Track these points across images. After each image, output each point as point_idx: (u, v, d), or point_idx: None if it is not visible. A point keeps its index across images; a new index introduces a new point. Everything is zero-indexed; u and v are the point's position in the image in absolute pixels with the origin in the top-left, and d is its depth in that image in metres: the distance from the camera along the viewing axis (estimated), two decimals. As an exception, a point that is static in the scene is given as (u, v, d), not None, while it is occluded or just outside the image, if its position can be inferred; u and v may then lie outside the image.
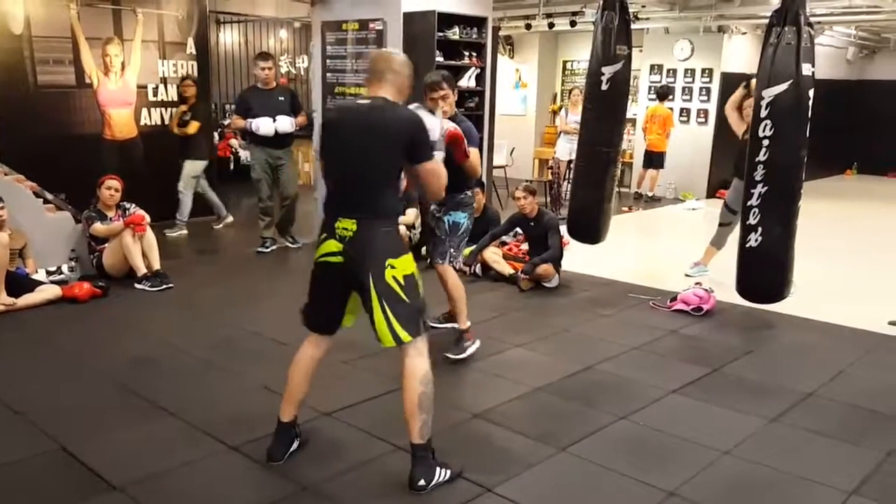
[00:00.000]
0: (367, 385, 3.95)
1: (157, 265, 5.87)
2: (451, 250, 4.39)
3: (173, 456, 3.20)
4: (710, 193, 11.16)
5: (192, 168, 7.79)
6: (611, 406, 3.82)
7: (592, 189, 5.86)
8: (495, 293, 5.94)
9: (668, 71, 11.68)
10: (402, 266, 2.90)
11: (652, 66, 11.85)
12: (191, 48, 8.36)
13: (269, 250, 7.14)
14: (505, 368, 4.33)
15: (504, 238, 6.64)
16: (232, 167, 11.42)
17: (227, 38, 12.26)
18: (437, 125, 3.54)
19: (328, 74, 7.45)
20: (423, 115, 3.31)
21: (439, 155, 3.29)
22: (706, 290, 5.50)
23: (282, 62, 12.85)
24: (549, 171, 10.54)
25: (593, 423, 3.62)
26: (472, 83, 7.26)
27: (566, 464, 3.26)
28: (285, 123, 6.88)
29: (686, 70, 11.50)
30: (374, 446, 3.35)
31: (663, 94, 11.15)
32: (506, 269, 6.26)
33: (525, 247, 6.52)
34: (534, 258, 6.08)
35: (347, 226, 2.88)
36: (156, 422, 3.54)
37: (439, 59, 6.84)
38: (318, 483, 3.01)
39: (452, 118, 4.19)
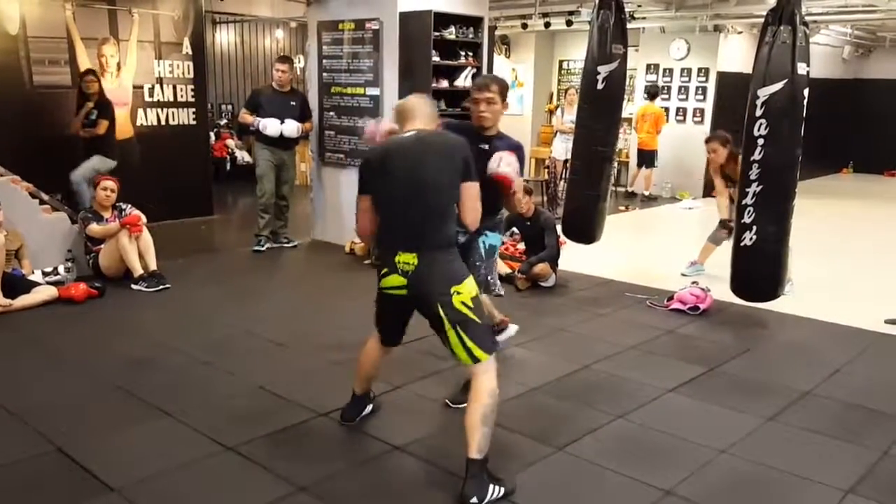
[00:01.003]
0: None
1: (153, 266, 5.86)
2: (489, 278, 3.89)
3: (170, 457, 3.20)
4: (707, 193, 11.17)
5: (101, 164, 7.04)
6: (608, 405, 3.83)
7: (588, 188, 5.86)
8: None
9: (665, 70, 11.69)
10: (466, 290, 2.97)
11: (648, 66, 11.86)
12: (187, 48, 8.36)
13: (263, 248, 7.14)
14: (502, 368, 4.28)
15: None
16: (228, 167, 11.40)
17: (224, 39, 12.25)
18: None
19: (324, 74, 7.44)
20: None
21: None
22: (703, 289, 5.51)
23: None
24: (546, 170, 10.55)
25: (591, 423, 3.62)
26: (468, 83, 7.25)
27: (564, 463, 3.26)
28: (291, 128, 6.97)
29: (682, 69, 11.52)
30: (372, 446, 3.35)
31: (653, 93, 11.20)
32: (502, 268, 6.25)
33: (521, 246, 6.52)
34: (530, 258, 6.09)
35: (409, 259, 2.95)
36: (153, 423, 3.54)
37: (435, 58, 6.84)
38: (316, 483, 3.01)
39: (498, 135, 3.72)
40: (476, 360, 2.95)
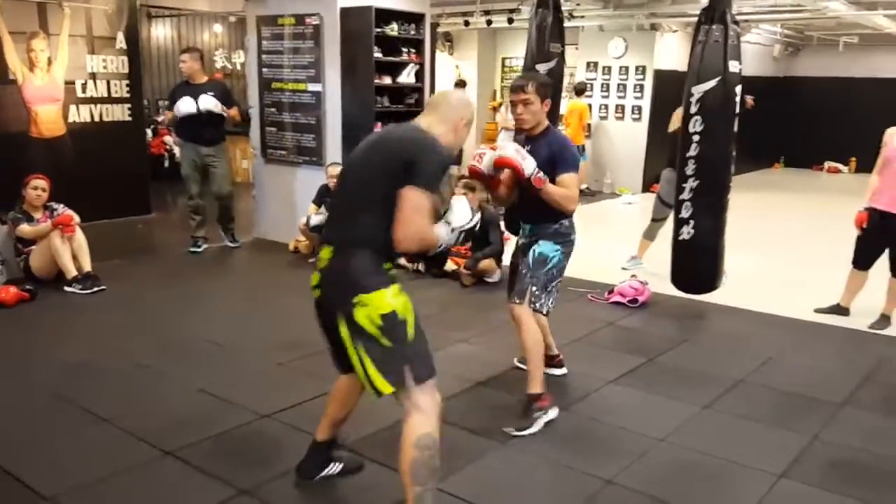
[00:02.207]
0: (305, 386, 3.90)
1: (87, 267, 5.69)
2: (533, 288, 3.53)
3: (106, 463, 3.12)
4: (646, 188, 11.41)
5: None
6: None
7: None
8: (438, 289, 5.96)
9: (604, 68, 11.88)
10: (376, 302, 2.43)
11: (588, 64, 12.04)
12: (121, 43, 8.13)
13: (200, 250, 6.99)
14: (447, 364, 4.31)
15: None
16: (166, 164, 11.14)
17: (160, 33, 11.97)
18: (465, 217, 2.69)
19: (264, 70, 7.34)
20: (462, 205, 2.71)
21: (442, 230, 2.62)
22: (641, 282, 5.63)
23: (217, 57, 12.62)
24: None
25: (534, 416, 3.67)
26: (412, 79, 7.25)
27: (507, 456, 3.29)
28: (208, 102, 6.54)
29: (621, 67, 11.72)
30: (316, 446, 3.32)
31: (580, 89, 11.42)
32: (448, 264, 6.28)
33: (467, 242, 6.55)
34: (475, 254, 6.12)
35: (325, 254, 2.56)
36: (88, 428, 3.44)
37: (378, 55, 6.81)
38: (258, 486, 2.97)
39: (542, 134, 3.54)
40: (378, 392, 2.46)
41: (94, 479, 3.00)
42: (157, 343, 4.59)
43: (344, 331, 2.47)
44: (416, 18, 7.17)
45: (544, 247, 3.54)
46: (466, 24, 11.33)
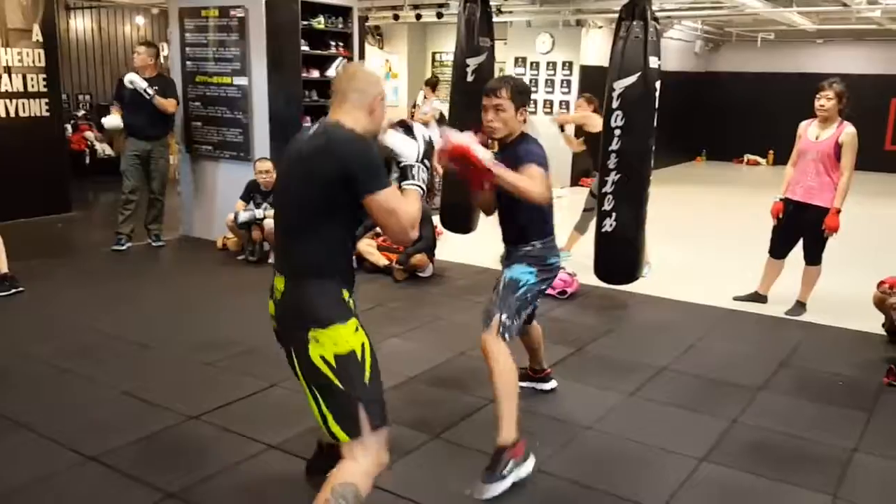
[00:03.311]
0: (234, 386, 3.85)
1: (4, 268, 5.46)
2: (503, 316, 3.14)
3: (25, 471, 3.02)
4: (574, 182, 11.61)
5: None
6: (483, 390, 3.90)
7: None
8: (370, 285, 5.95)
9: (532, 63, 12.03)
10: (332, 340, 2.23)
11: (516, 59, 12.17)
12: (37, 35, 7.81)
13: (123, 248, 6.81)
14: (380, 359, 4.31)
15: (377, 229, 6.65)
16: (87, 161, 10.77)
17: (79, 25, 11.54)
18: (412, 147, 2.44)
19: (188, 63, 7.17)
20: (394, 136, 2.46)
21: (412, 185, 2.41)
22: (569, 274, 5.74)
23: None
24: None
25: (466, 408, 3.72)
26: (340, 74, 7.20)
27: (439, 449, 3.33)
28: (137, 79, 6.52)
29: (548, 63, 11.89)
30: (246, 446, 3.28)
31: None
32: (380, 259, 6.28)
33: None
34: (408, 248, 6.13)
35: (278, 284, 2.36)
36: (6, 436, 3.32)
37: (305, 48, 6.75)
38: (186, 489, 2.92)
39: (515, 143, 3.21)
40: (336, 438, 2.28)
41: (12, 488, 2.90)
42: (79, 345, 4.44)
43: (298, 367, 2.31)
44: (343, 11, 7.12)
45: (516, 270, 3.26)
46: (396, 17, 11.30)
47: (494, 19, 5.87)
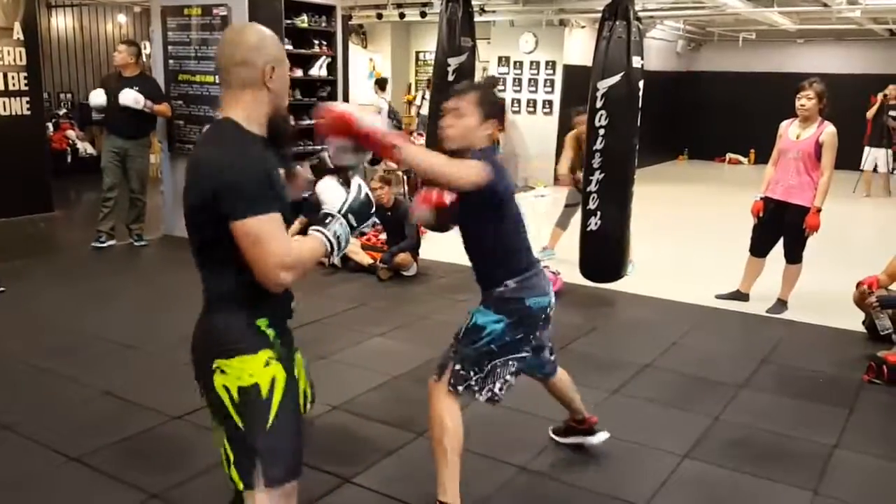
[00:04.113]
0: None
1: (-17, 268, 5.41)
2: (457, 366, 2.72)
3: (5, 472, 2.99)
4: (557, 180, 11.65)
5: None
6: None
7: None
8: (354, 283, 5.95)
9: (515, 63, 12.06)
10: (235, 371, 1.92)
11: (500, 59, 12.19)
12: (18, 33, 7.72)
13: (103, 245, 6.78)
14: (364, 359, 4.35)
15: (362, 228, 6.64)
16: (69, 160, 10.67)
17: (61, 23, 11.43)
18: (339, 197, 2.05)
19: (170, 62, 7.12)
20: (326, 182, 2.09)
21: (317, 232, 1.99)
22: (553, 272, 5.74)
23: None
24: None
25: (449, 407, 3.71)
26: (324, 72, 7.19)
27: (424, 448, 3.31)
28: (127, 97, 6.44)
29: (531, 62, 11.92)
30: (229, 446, 3.27)
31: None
32: (364, 259, 6.27)
33: (383, 237, 6.56)
34: (392, 247, 6.13)
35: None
36: (-15, 438, 3.29)
37: (288, 47, 6.71)
38: (168, 489, 2.91)
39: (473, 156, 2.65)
40: (235, 484, 1.97)
41: (-8, 490, 2.87)
42: (60, 345, 4.40)
43: (207, 402, 2.00)
44: (326, 10, 7.11)
45: (480, 316, 2.75)
46: (379, 16, 11.28)
47: (477, 19, 5.91)
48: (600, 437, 3.28)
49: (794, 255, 5.35)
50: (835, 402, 3.93)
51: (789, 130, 5.27)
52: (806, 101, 5.09)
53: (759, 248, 5.51)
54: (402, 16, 11.03)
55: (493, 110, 2.72)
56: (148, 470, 3.05)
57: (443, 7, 5.59)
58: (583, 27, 11.84)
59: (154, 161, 10.41)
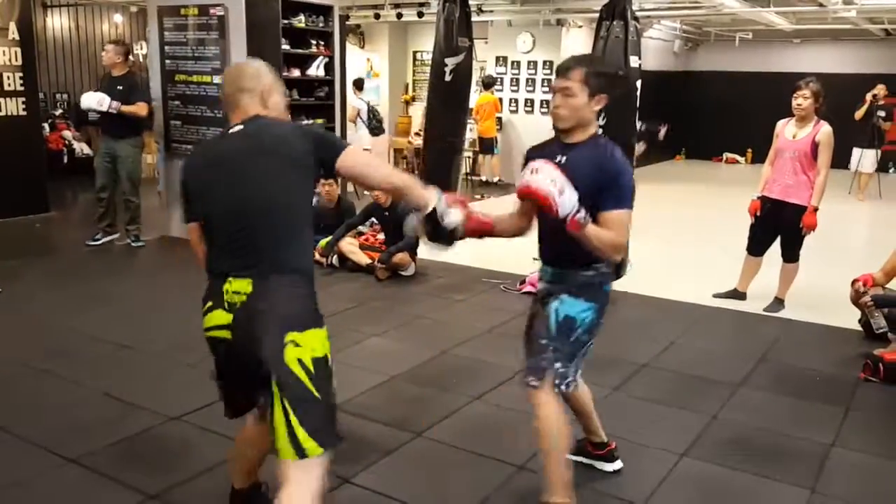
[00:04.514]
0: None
1: (-21, 269, 5.40)
2: (557, 365, 2.63)
3: (4, 474, 2.98)
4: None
5: None
6: (465, 388, 3.94)
7: (439, 177, 5.98)
8: (353, 283, 5.94)
9: (513, 63, 12.07)
10: (311, 343, 2.05)
11: (497, 58, 12.21)
12: (13, 34, 7.71)
13: (97, 243, 6.80)
14: (362, 358, 4.35)
15: (360, 228, 6.66)
16: (66, 160, 10.65)
17: (57, 24, 11.42)
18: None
19: (167, 62, 7.11)
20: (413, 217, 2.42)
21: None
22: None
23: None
24: (404, 160, 10.64)
25: (448, 406, 3.72)
26: (321, 72, 7.19)
27: (422, 447, 3.33)
28: (90, 100, 6.45)
29: (529, 62, 11.93)
30: (227, 447, 3.23)
31: (489, 83, 11.58)
32: (363, 259, 6.27)
33: (381, 236, 6.56)
34: (390, 247, 6.13)
35: (240, 287, 2.11)
36: (-17, 439, 3.28)
37: (285, 47, 6.73)
38: (167, 490, 2.91)
39: (585, 143, 2.67)
40: (303, 454, 2.03)
41: (-10, 491, 2.87)
42: (58, 346, 4.40)
43: (273, 381, 2.04)
44: (324, 10, 7.11)
45: (570, 306, 2.64)
46: (377, 16, 11.28)
47: (475, 18, 5.92)
48: (615, 465, 3.15)
49: (790, 254, 5.36)
50: (832, 400, 3.94)
51: (786, 130, 5.28)
52: (802, 100, 5.09)
53: (756, 247, 5.52)
54: (399, 16, 11.03)
55: (600, 85, 2.64)
56: (147, 471, 3.04)
57: (440, 7, 5.60)
58: (580, 27, 11.85)
59: (150, 161, 10.43)
